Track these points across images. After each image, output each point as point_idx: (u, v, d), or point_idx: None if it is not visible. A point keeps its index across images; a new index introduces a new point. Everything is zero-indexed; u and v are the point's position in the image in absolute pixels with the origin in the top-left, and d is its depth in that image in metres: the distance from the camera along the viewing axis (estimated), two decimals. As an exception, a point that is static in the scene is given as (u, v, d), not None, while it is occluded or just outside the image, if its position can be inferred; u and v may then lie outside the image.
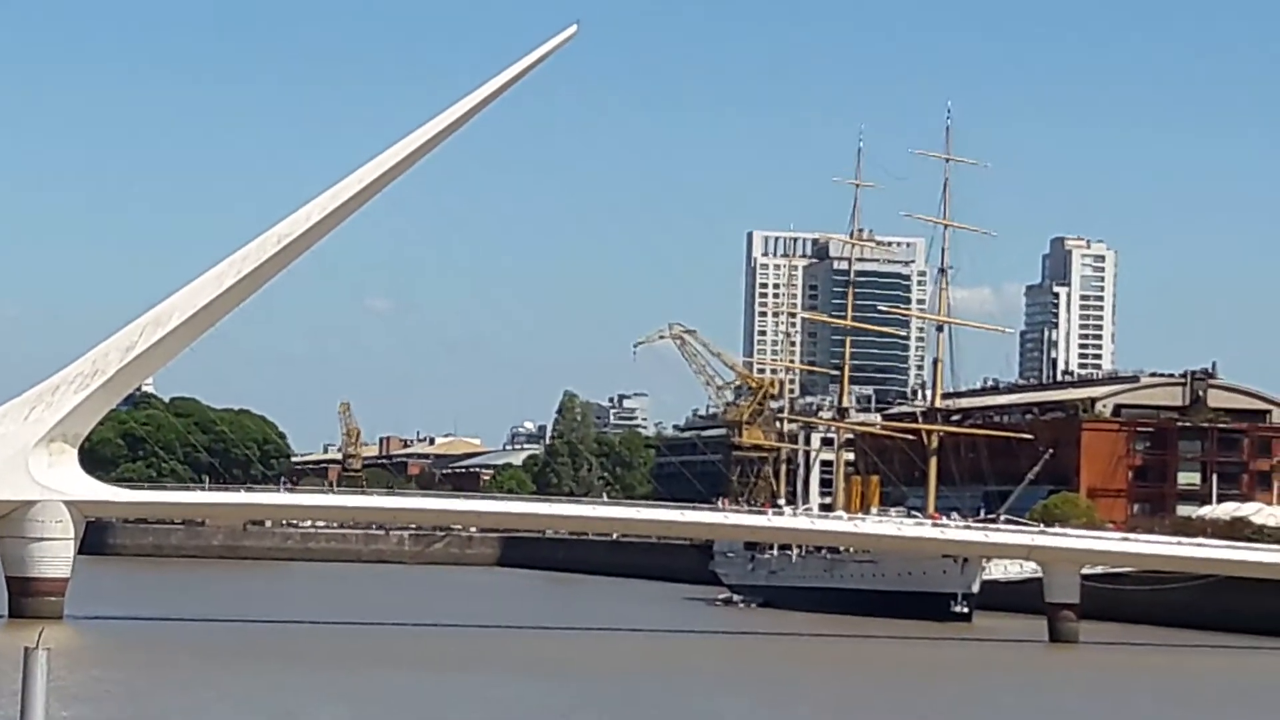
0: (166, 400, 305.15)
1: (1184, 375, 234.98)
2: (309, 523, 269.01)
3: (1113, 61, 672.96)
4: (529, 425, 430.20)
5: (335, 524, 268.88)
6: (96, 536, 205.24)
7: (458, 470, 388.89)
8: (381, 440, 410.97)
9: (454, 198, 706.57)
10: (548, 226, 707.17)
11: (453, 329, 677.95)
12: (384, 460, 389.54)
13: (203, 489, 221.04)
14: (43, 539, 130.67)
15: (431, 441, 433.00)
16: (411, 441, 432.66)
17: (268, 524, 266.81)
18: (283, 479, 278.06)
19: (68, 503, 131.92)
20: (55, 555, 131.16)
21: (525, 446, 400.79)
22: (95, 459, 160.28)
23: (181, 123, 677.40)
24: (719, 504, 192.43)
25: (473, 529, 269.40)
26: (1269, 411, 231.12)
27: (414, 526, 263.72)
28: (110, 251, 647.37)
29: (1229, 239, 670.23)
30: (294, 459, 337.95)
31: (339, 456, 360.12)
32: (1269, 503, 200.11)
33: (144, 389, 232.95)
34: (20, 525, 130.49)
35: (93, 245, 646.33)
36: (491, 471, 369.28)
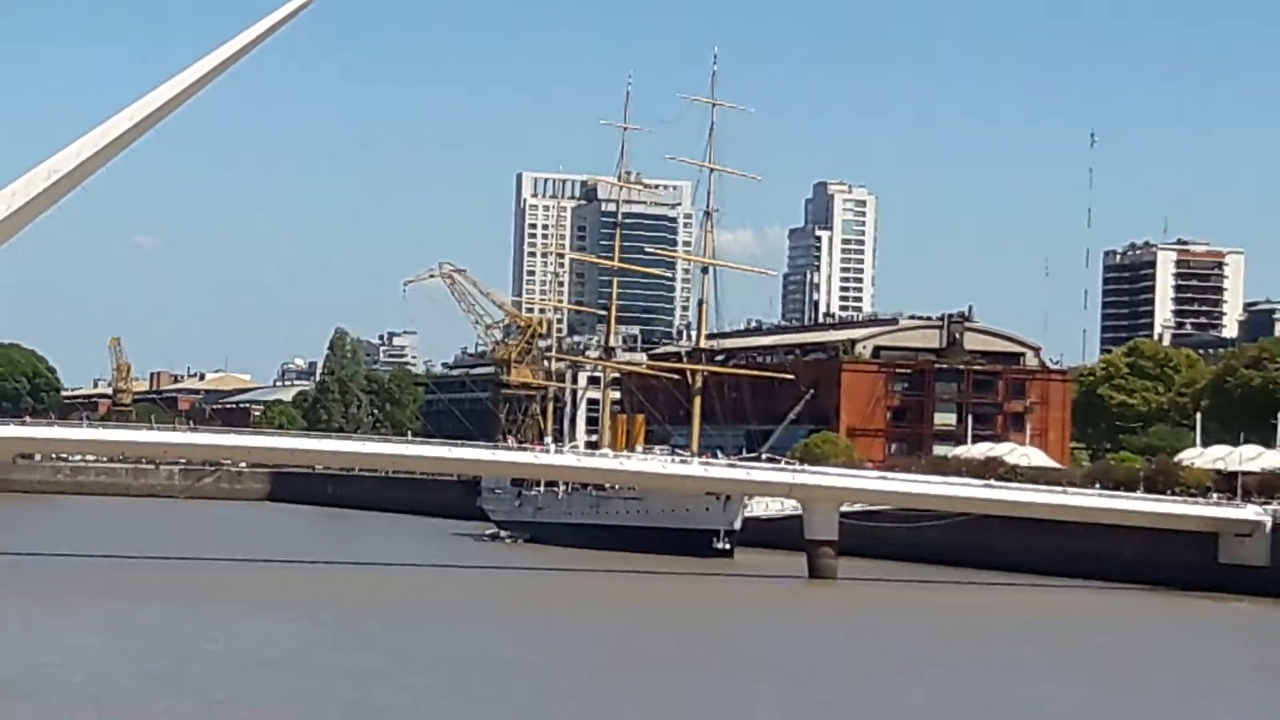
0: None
1: (941, 318, 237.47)
2: (79, 456, 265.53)
3: (875, 8, 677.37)
4: (299, 362, 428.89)
5: (105, 458, 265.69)
6: None
7: (228, 406, 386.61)
8: (152, 375, 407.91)
9: (222, 136, 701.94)
10: (317, 166, 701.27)
11: (222, 267, 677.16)
12: (154, 395, 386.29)
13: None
14: None
15: (202, 377, 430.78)
16: (182, 377, 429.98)
17: (37, 457, 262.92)
18: (52, 413, 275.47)
19: None
20: None
21: (295, 383, 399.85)
22: None
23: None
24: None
25: (243, 464, 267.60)
26: (1023, 354, 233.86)
27: (184, 461, 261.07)
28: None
29: (985, 187, 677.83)
30: (64, 393, 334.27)
31: (109, 391, 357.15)
32: (1021, 443, 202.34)
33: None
34: None
35: None
36: (262, 407, 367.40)
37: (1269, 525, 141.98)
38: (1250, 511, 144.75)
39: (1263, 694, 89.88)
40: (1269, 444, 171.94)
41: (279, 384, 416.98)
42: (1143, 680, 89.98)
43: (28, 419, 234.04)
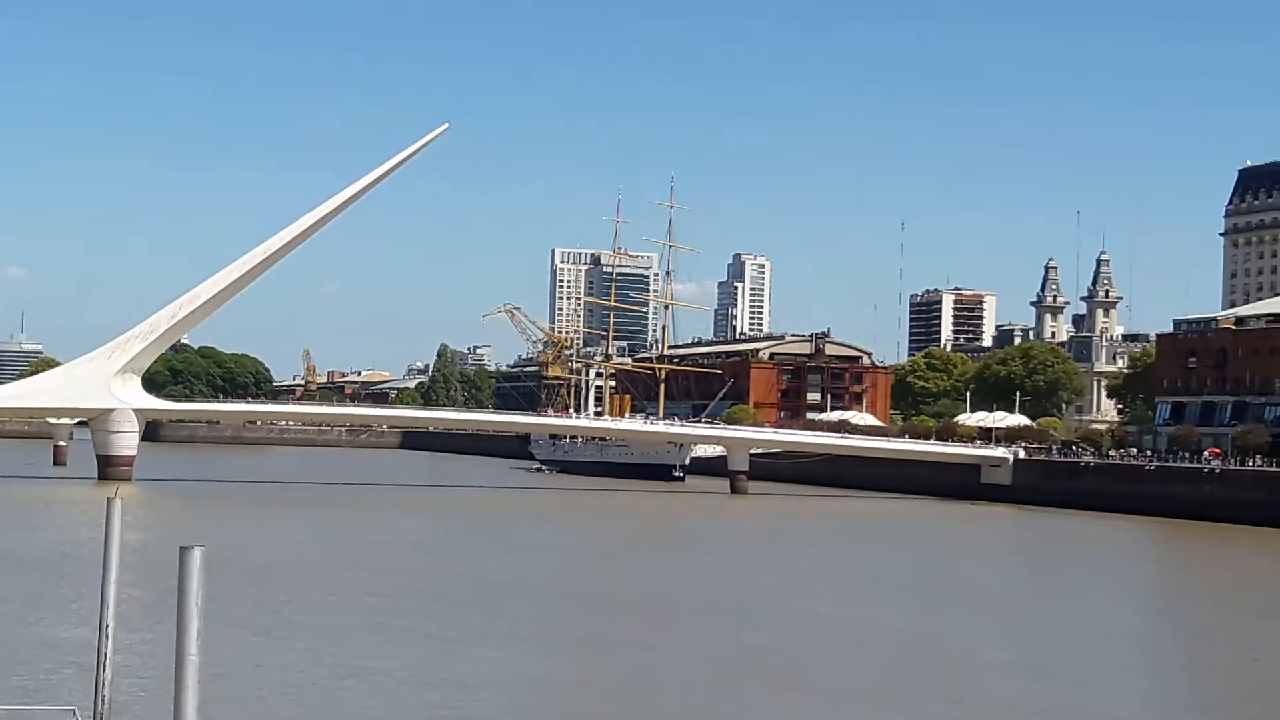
0: (196, 347, 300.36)
1: (811, 335, 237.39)
2: (284, 422, 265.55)
3: (771, 146, 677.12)
4: (419, 364, 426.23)
5: (300, 423, 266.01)
6: (152, 431, 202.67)
7: (375, 391, 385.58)
8: (329, 373, 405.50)
9: (385, 221, 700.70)
10: (435, 238, 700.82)
11: (375, 302, 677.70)
12: (330, 385, 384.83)
13: (217, 402, 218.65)
14: (120, 432, 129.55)
15: (359, 373, 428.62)
16: (347, 373, 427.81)
17: (259, 422, 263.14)
18: (266, 396, 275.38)
19: (135, 410, 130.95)
20: (126, 442, 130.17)
21: (417, 377, 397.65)
22: (151, 384, 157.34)
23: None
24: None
25: (384, 426, 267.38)
26: (861, 358, 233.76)
27: (348, 425, 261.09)
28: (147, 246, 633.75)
29: (838, 254, 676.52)
30: (275, 384, 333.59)
31: (303, 383, 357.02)
32: (860, 411, 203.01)
33: (182, 341, 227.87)
34: (106, 423, 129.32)
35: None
36: (396, 391, 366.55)
37: (1012, 460, 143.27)
38: (1000, 451, 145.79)
39: (1004, 558, 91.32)
40: (1010, 411, 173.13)
41: (406, 377, 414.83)
42: (930, 549, 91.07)
43: (252, 400, 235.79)
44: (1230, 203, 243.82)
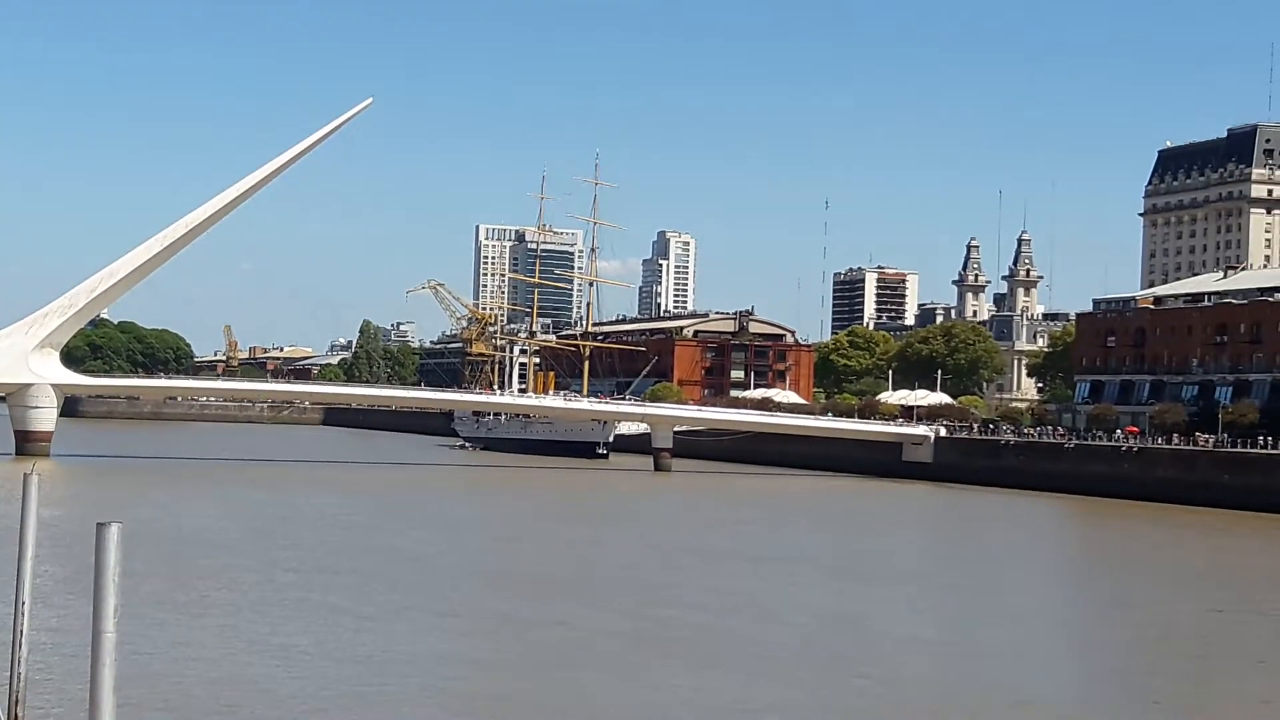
0: (115, 322, 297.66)
1: (735, 314, 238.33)
2: (205, 398, 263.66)
3: (697, 118, 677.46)
4: (342, 340, 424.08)
5: (221, 399, 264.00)
6: (71, 406, 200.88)
7: (298, 367, 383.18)
8: (251, 349, 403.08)
9: (309, 193, 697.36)
10: (358, 215, 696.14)
11: (296, 280, 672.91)
12: (252, 360, 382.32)
13: (136, 377, 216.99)
14: (37, 407, 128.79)
15: (281, 349, 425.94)
16: (270, 350, 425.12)
17: (179, 398, 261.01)
18: (187, 372, 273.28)
19: (53, 385, 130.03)
20: (44, 417, 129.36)
21: (339, 353, 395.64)
22: (70, 359, 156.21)
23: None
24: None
25: (307, 403, 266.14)
26: (784, 335, 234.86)
27: (270, 401, 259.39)
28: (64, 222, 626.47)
29: (762, 231, 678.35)
30: (195, 360, 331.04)
31: (224, 358, 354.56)
32: (784, 389, 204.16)
33: (101, 316, 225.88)
34: (23, 398, 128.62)
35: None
36: (318, 367, 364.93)
37: (932, 438, 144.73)
38: (921, 429, 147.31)
39: (922, 535, 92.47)
40: (932, 389, 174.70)
41: (329, 353, 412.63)
42: (850, 526, 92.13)
43: (172, 376, 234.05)
44: (1150, 183, 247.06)
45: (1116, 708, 36.91)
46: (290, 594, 49.50)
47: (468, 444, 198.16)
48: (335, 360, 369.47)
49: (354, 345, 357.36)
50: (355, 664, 37.42)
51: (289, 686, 34.22)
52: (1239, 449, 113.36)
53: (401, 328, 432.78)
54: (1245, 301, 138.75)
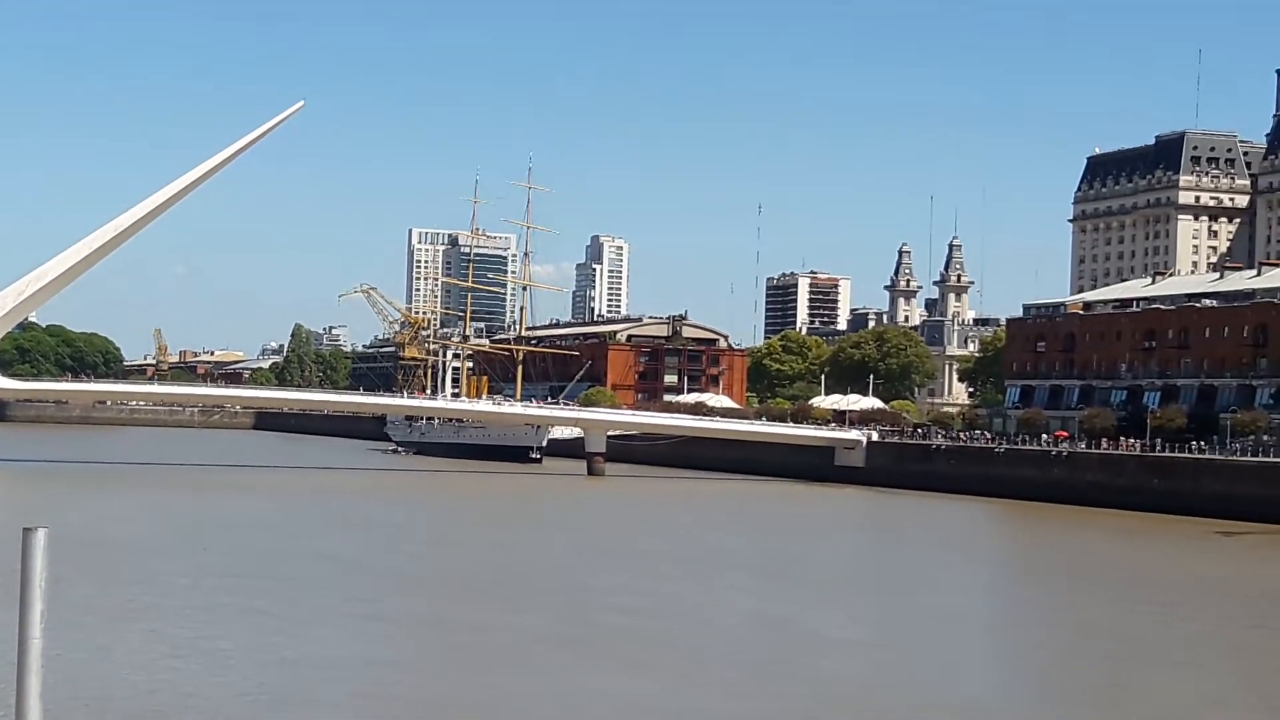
0: (44, 325, 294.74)
1: (669, 318, 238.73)
2: (135, 402, 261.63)
3: (632, 123, 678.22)
4: (273, 344, 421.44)
5: (151, 403, 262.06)
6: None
7: (228, 371, 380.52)
8: (180, 352, 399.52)
9: (236, 199, 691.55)
10: (290, 216, 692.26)
11: (228, 283, 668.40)
12: (182, 365, 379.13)
13: (65, 381, 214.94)
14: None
15: (212, 353, 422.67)
16: (199, 353, 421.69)
17: (109, 403, 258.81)
18: (116, 376, 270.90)
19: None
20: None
21: (271, 357, 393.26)
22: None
23: None
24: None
25: (238, 407, 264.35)
26: (717, 340, 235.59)
27: (200, 405, 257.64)
28: None
29: (694, 235, 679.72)
30: (125, 363, 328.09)
31: (154, 362, 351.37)
32: (717, 394, 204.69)
33: (29, 319, 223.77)
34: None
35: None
36: (249, 371, 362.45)
37: (865, 442, 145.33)
38: (854, 434, 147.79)
39: (853, 539, 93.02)
40: (864, 393, 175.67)
41: (260, 357, 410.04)
42: (782, 530, 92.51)
43: (101, 380, 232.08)
44: (1079, 189, 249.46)
45: (1037, 706, 37.43)
46: (217, 598, 49.36)
47: (400, 448, 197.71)
48: (267, 364, 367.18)
49: (286, 349, 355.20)
50: (281, 668, 37.43)
51: (214, 691, 34.19)
52: (1167, 453, 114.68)
53: (334, 331, 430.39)
54: (1173, 307, 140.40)
